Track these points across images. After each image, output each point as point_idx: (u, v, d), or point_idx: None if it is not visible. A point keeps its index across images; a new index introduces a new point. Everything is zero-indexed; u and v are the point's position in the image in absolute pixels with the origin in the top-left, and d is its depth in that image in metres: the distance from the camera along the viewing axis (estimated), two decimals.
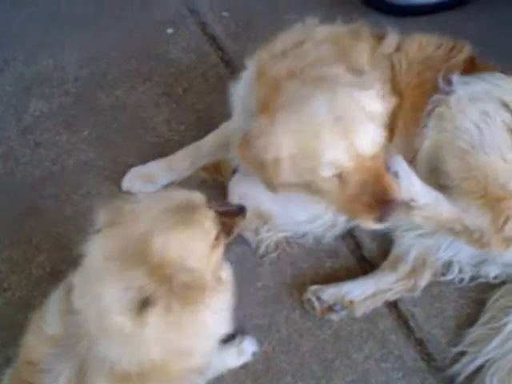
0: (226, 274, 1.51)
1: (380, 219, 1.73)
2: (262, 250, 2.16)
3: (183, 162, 2.34)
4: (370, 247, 2.20)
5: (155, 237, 1.27)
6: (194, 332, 1.38)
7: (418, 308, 2.05)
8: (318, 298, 2.00)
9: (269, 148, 1.71)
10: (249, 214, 2.08)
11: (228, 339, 1.79)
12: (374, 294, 2.01)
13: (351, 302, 2.00)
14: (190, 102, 2.66)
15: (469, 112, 1.88)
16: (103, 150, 2.51)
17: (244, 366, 1.94)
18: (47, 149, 2.52)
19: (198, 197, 1.41)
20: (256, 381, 1.93)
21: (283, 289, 2.11)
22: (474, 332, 1.94)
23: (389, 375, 1.94)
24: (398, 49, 2.03)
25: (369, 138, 1.66)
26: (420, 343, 2.01)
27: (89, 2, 3.15)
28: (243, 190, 2.11)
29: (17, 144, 2.55)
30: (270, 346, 1.99)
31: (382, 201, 1.70)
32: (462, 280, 2.06)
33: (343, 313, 2.01)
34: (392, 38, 2.04)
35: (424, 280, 2.04)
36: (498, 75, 1.97)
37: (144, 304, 1.21)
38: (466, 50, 2.05)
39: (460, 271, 2.05)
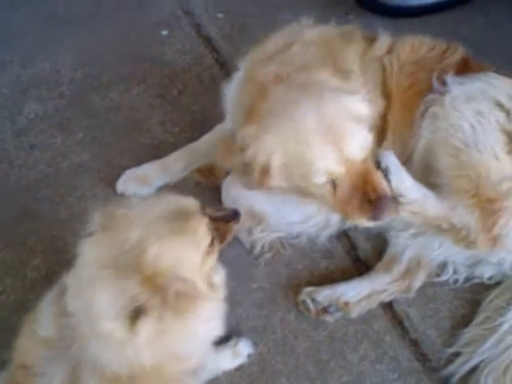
0: (219, 278, 1.50)
1: (374, 218, 1.76)
2: (256, 250, 2.16)
3: (177, 163, 2.34)
4: (364, 247, 2.20)
5: (149, 246, 1.26)
6: (186, 337, 1.38)
7: (412, 309, 2.06)
8: (313, 300, 2.00)
9: (258, 156, 1.72)
10: (242, 214, 2.11)
11: (223, 341, 1.79)
12: (369, 295, 2.01)
13: (346, 304, 2.00)
14: (184, 104, 2.66)
15: (463, 111, 1.89)
16: (98, 152, 2.50)
17: (239, 368, 1.94)
18: (42, 151, 2.52)
19: (192, 203, 1.41)
20: (251, 382, 1.93)
21: (278, 290, 2.11)
22: (469, 332, 1.94)
23: (384, 376, 1.95)
24: (389, 51, 2.04)
25: (358, 143, 1.68)
26: (415, 344, 2.01)
27: (85, 2, 3.16)
28: (236, 191, 2.11)
29: (11, 146, 2.54)
30: (266, 347, 1.99)
31: (372, 202, 1.72)
32: (456, 281, 2.06)
33: (338, 314, 2.01)
34: (383, 41, 2.05)
35: (418, 281, 2.04)
36: (492, 75, 1.98)
37: (136, 313, 1.21)
38: (459, 52, 2.06)
39: (454, 272, 2.06)
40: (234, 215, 1.54)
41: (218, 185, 2.26)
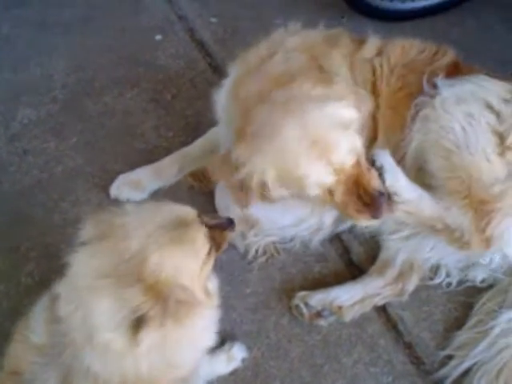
0: (213, 285, 1.51)
1: (373, 217, 1.76)
2: (250, 255, 2.17)
3: (171, 168, 2.35)
4: (357, 251, 2.20)
5: (150, 255, 1.27)
6: (184, 346, 1.38)
7: (406, 312, 2.06)
8: (306, 304, 2.00)
9: (253, 174, 1.73)
10: (235, 218, 2.11)
11: (217, 346, 1.78)
12: (363, 299, 2.02)
13: (340, 308, 2.00)
14: (178, 108, 2.67)
15: (454, 112, 1.90)
16: (91, 157, 2.50)
17: (233, 373, 1.94)
18: (35, 156, 2.52)
19: (190, 212, 1.41)
20: None
21: (272, 295, 2.12)
22: (462, 336, 1.95)
23: (378, 379, 1.95)
24: (379, 53, 2.05)
25: (345, 150, 1.68)
26: (409, 347, 2.01)
27: (78, 7, 3.17)
28: (230, 196, 2.11)
29: (5, 152, 2.54)
30: (259, 351, 1.99)
31: (369, 201, 1.73)
32: (449, 284, 2.07)
33: (332, 318, 2.01)
34: (373, 43, 2.06)
35: (411, 284, 2.05)
36: (483, 77, 1.98)
37: (138, 323, 1.21)
38: (449, 54, 2.07)
39: (447, 275, 2.07)
40: (229, 223, 1.54)
41: (212, 189, 2.27)
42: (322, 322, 2.02)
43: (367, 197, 1.73)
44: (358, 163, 1.73)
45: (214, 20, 3.05)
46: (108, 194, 2.33)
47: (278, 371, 1.96)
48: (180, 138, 2.54)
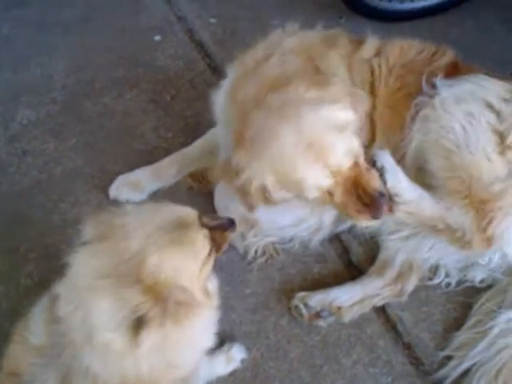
0: (213, 286, 1.51)
1: (373, 217, 1.75)
2: (249, 255, 2.17)
3: (170, 168, 2.35)
4: (357, 252, 2.21)
5: (149, 255, 1.27)
6: (184, 346, 1.38)
7: (405, 312, 2.06)
8: (306, 305, 2.00)
9: (252, 179, 1.74)
10: (234, 217, 2.11)
11: (217, 346, 1.78)
12: (362, 300, 2.02)
13: (339, 308, 2.00)
14: (177, 109, 2.67)
15: (454, 112, 1.89)
16: (91, 157, 2.50)
17: (233, 373, 1.94)
18: (35, 157, 2.52)
19: (190, 213, 1.41)
20: None
21: (271, 295, 2.12)
22: (461, 336, 1.95)
23: (377, 380, 1.95)
24: (377, 53, 2.05)
25: (341, 153, 1.68)
26: (408, 347, 2.02)
27: (78, 8, 3.17)
28: (229, 196, 2.11)
29: (4, 152, 2.54)
30: (259, 352, 1.99)
31: (369, 202, 1.72)
32: (448, 284, 2.07)
33: (331, 319, 2.02)
34: (371, 43, 2.06)
35: (411, 285, 2.05)
36: (482, 77, 1.98)
37: (139, 323, 1.21)
38: (448, 55, 2.07)
39: (447, 275, 2.07)
40: (230, 224, 1.54)
41: (211, 190, 2.27)
42: (322, 323, 2.02)
43: (367, 197, 1.73)
44: (356, 164, 1.73)
45: (213, 21, 3.05)
46: (107, 195, 2.33)
47: (277, 372, 1.96)
48: (179, 139, 2.54)
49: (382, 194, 1.75)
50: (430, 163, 1.94)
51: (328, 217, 2.12)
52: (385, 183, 1.79)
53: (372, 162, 1.81)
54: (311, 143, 1.66)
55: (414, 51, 2.06)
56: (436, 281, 2.07)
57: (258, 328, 2.04)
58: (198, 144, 2.39)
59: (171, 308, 1.25)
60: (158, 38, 2.99)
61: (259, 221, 2.12)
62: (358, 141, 1.75)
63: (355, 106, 1.78)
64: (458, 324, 2.02)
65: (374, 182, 1.75)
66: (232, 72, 2.00)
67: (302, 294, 2.04)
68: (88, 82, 2.79)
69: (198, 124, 2.58)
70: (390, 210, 1.82)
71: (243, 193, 1.81)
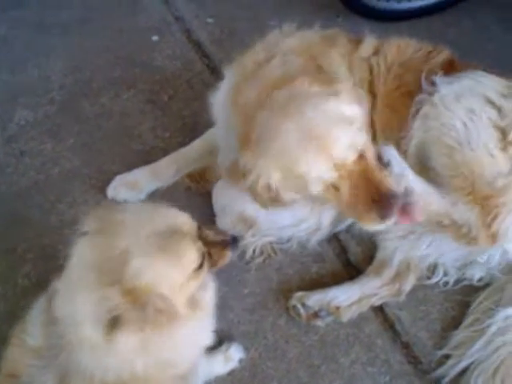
0: (208, 296, 1.47)
1: (382, 217, 1.69)
2: (247, 255, 2.17)
3: (168, 169, 2.35)
4: (355, 251, 2.21)
5: (134, 258, 1.25)
6: (172, 348, 1.36)
7: (403, 311, 2.06)
8: (304, 305, 2.00)
9: (259, 179, 1.73)
10: (233, 219, 2.11)
11: (215, 346, 1.79)
12: (360, 300, 2.02)
13: (337, 308, 2.00)
14: (175, 109, 2.67)
15: (454, 109, 1.89)
16: (88, 158, 2.50)
17: (231, 373, 1.94)
18: (32, 158, 2.52)
19: (188, 223, 1.38)
20: None
21: (269, 295, 2.12)
22: (459, 335, 1.95)
23: (375, 379, 1.95)
24: (376, 52, 2.05)
25: (344, 145, 1.65)
26: (406, 346, 2.02)
27: (75, 8, 3.17)
28: (227, 196, 2.11)
29: (1, 153, 2.54)
30: (257, 352, 1.99)
31: (378, 198, 1.68)
32: (446, 283, 2.08)
33: (329, 318, 2.02)
34: (369, 42, 2.06)
35: (408, 284, 2.05)
36: (481, 73, 1.98)
37: (114, 322, 1.20)
38: (444, 53, 2.07)
39: (445, 274, 2.07)
40: (232, 242, 1.48)
41: (209, 190, 2.27)
42: (320, 323, 2.02)
43: (377, 195, 1.68)
44: (363, 158, 1.69)
45: (210, 21, 3.05)
46: (105, 195, 2.32)
47: (275, 372, 1.96)
48: (177, 139, 2.54)
49: (394, 195, 1.70)
50: (432, 161, 1.94)
51: (327, 217, 2.12)
52: (391, 178, 1.75)
53: (377, 157, 1.78)
54: (314, 136, 1.64)
55: (411, 50, 2.06)
56: (434, 280, 2.07)
57: (256, 328, 2.04)
58: (197, 144, 2.39)
59: (151, 315, 1.23)
60: (155, 38, 2.99)
61: (258, 221, 2.12)
62: (366, 136, 1.73)
63: (360, 101, 1.77)
64: (455, 323, 2.02)
65: (386, 180, 1.71)
66: (230, 74, 2.00)
67: (299, 293, 2.04)
68: (86, 82, 2.78)
69: (195, 124, 2.58)
70: (407, 213, 1.76)
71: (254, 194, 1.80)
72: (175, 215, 1.38)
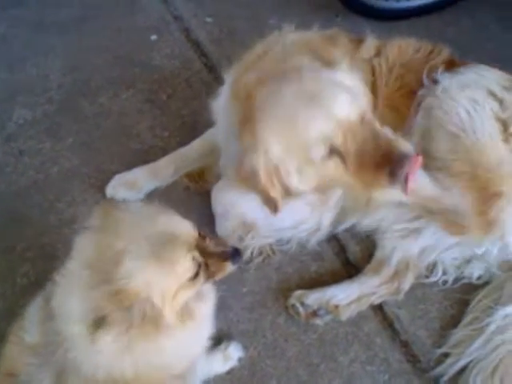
0: (204, 308, 1.46)
1: (393, 176, 1.58)
2: (246, 255, 2.16)
3: (167, 168, 2.34)
4: (354, 250, 2.21)
5: (125, 260, 1.24)
6: (160, 353, 1.35)
7: (402, 310, 2.06)
8: (303, 304, 2.00)
9: (259, 161, 1.66)
10: (233, 223, 2.10)
11: (214, 345, 1.79)
12: (359, 298, 2.02)
13: (336, 307, 2.00)
14: (174, 109, 2.66)
15: (458, 98, 1.90)
16: (87, 157, 2.50)
17: (230, 372, 1.93)
18: (31, 157, 2.51)
19: (185, 231, 1.34)
20: None
21: (268, 294, 2.12)
22: (458, 333, 1.95)
23: (374, 378, 1.95)
24: (377, 53, 2.04)
25: (344, 102, 1.60)
26: (405, 345, 2.02)
27: (74, 7, 3.17)
28: (227, 197, 2.11)
29: (0, 152, 2.54)
30: (256, 351, 1.99)
31: (388, 154, 1.59)
32: (445, 281, 2.08)
33: (328, 317, 2.01)
34: (371, 43, 2.06)
35: (407, 283, 2.05)
36: (483, 67, 1.99)
37: (99, 322, 1.19)
38: (444, 53, 2.07)
39: (444, 273, 2.07)
40: (233, 255, 1.43)
41: (208, 190, 2.26)
42: (319, 321, 2.02)
43: (386, 156, 1.58)
44: (366, 123, 1.63)
45: (209, 20, 3.05)
46: (104, 195, 2.32)
47: (274, 370, 1.96)
48: (176, 138, 2.54)
49: (405, 155, 1.58)
50: (434, 145, 1.93)
51: (327, 218, 2.12)
52: None
53: None
54: (312, 95, 1.59)
55: (412, 50, 2.06)
56: (433, 278, 2.07)
57: (255, 327, 2.04)
58: (196, 144, 2.39)
59: (136, 318, 1.22)
60: (154, 37, 2.99)
61: (257, 224, 2.11)
62: (367, 102, 1.70)
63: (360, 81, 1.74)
64: (454, 321, 2.02)
65: (395, 140, 1.62)
66: (230, 76, 1.97)
67: (298, 292, 2.04)
68: (84, 81, 2.78)
69: (194, 123, 2.58)
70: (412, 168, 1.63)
71: (264, 194, 1.73)
72: (176, 222, 1.35)
